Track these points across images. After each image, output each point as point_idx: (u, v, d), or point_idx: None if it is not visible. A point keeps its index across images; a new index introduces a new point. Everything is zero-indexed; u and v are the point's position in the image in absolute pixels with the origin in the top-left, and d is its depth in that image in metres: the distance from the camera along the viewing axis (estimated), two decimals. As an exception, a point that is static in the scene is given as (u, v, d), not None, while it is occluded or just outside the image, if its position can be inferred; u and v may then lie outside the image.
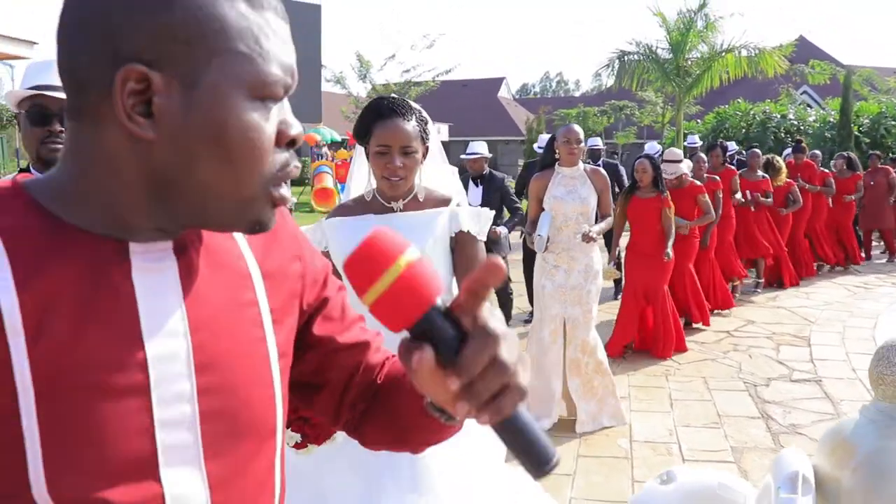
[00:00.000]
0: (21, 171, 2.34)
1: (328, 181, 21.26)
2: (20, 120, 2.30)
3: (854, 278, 10.41)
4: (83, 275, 0.75)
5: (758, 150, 9.45)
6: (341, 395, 1.06)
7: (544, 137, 7.03)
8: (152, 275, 0.80)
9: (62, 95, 2.28)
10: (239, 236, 0.91)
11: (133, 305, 0.77)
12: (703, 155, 8.08)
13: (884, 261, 12.02)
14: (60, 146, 2.25)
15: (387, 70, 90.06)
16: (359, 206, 2.38)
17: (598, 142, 9.18)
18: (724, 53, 19.73)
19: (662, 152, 8.68)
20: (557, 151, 4.73)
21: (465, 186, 6.18)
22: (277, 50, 0.79)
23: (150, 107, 0.74)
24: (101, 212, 0.78)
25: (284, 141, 0.81)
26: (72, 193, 0.78)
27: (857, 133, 19.06)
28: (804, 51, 29.28)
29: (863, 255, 11.88)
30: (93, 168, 0.77)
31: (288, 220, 1.00)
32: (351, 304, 1.08)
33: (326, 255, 2.37)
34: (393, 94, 2.35)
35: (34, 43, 10.08)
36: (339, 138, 27.58)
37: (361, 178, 2.50)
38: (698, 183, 7.12)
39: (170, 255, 0.82)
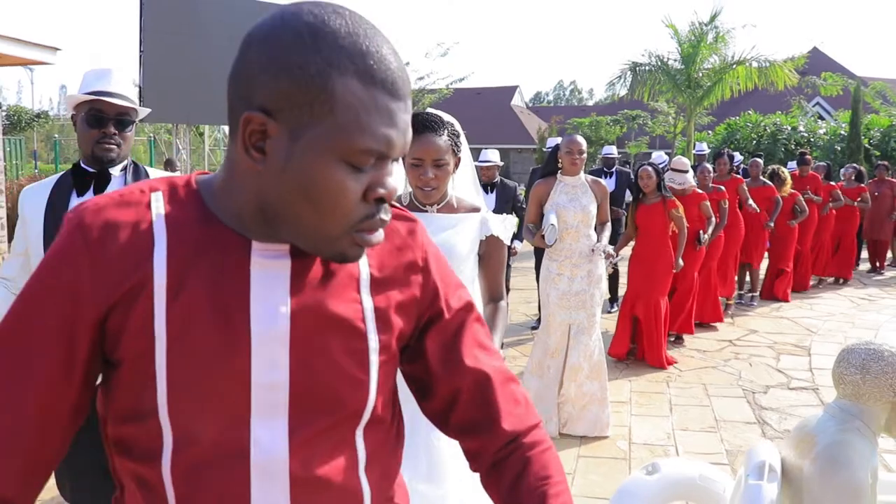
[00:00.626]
0: (74, 164, 2.56)
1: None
2: (76, 122, 2.52)
3: (858, 290, 10.53)
4: (215, 260, 0.98)
5: (758, 160, 9.54)
6: (446, 412, 1.17)
7: (553, 140, 7.19)
8: (267, 269, 1.00)
9: (118, 102, 2.47)
10: None
11: (247, 290, 0.98)
12: (708, 165, 8.21)
13: (884, 275, 12.11)
14: (113, 146, 2.47)
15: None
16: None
17: (612, 150, 9.27)
18: (735, 65, 19.83)
19: (669, 161, 8.81)
20: (560, 161, 4.90)
21: None
22: (376, 124, 0.92)
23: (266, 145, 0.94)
24: (231, 212, 1.00)
25: (371, 198, 0.96)
26: (218, 192, 1.01)
27: (867, 146, 19.10)
28: (817, 62, 29.31)
29: (858, 265, 11.97)
30: (229, 177, 1.00)
31: (420, 237, 1.16)
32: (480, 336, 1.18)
33: None
34: (429, 109, 2.50)
35: (57, 49, 10.30)
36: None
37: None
38: (700, 191, 7.30)
39: (286, 255, 1.01)
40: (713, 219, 7.24)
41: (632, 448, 4.72)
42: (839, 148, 19.43)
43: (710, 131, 24.33)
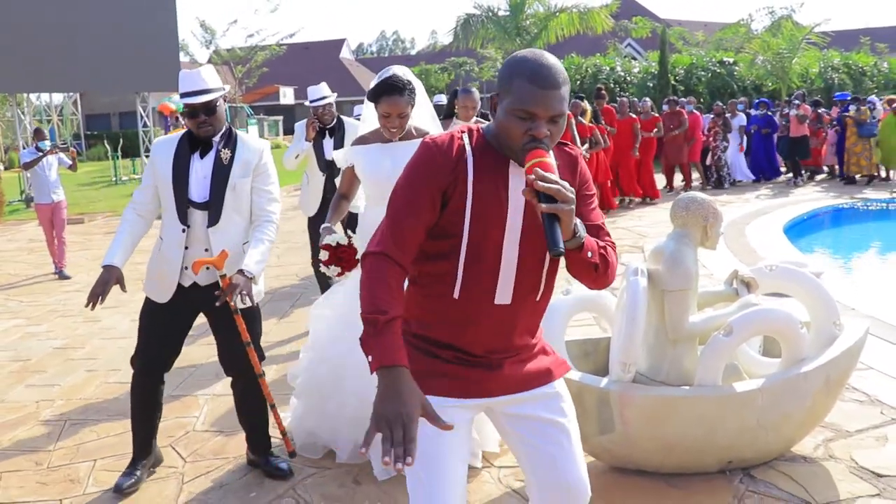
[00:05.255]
0: (188, 132, 3.41)
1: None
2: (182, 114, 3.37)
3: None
4: (493, 167, 1.87)
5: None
6: None
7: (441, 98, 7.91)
8: (515, 173, 1.87)
9: (202, 99, 3.32)
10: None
11: (507, 184, 1.87)
12: None
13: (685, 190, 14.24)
14: (209, 128, 3.38)
15: (230, 36, 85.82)
16: (371, 137, 3.62)
17: (442, 98, 10.17)
18: (558, 13, 21.64)
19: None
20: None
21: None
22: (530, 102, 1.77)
23: None
24: (500, 147, 1.87)
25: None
26: (493, 136, 1.89)
27: (673, 82, 21.52)
28: (628, 7, 31.87)
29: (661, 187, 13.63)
30: (498, 128, 1.85)
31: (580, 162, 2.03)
32: None
33: (351, 169, 3.66)
34: (395, 72, 3.43)
35: None
36: (192, 105, 27.23)
37: (369, 119, 3.71)
38: None
39: (521, 169, 1.83)
40: None
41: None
42: (651, 85, 21.74)
43: (537, 75, 26.09)
